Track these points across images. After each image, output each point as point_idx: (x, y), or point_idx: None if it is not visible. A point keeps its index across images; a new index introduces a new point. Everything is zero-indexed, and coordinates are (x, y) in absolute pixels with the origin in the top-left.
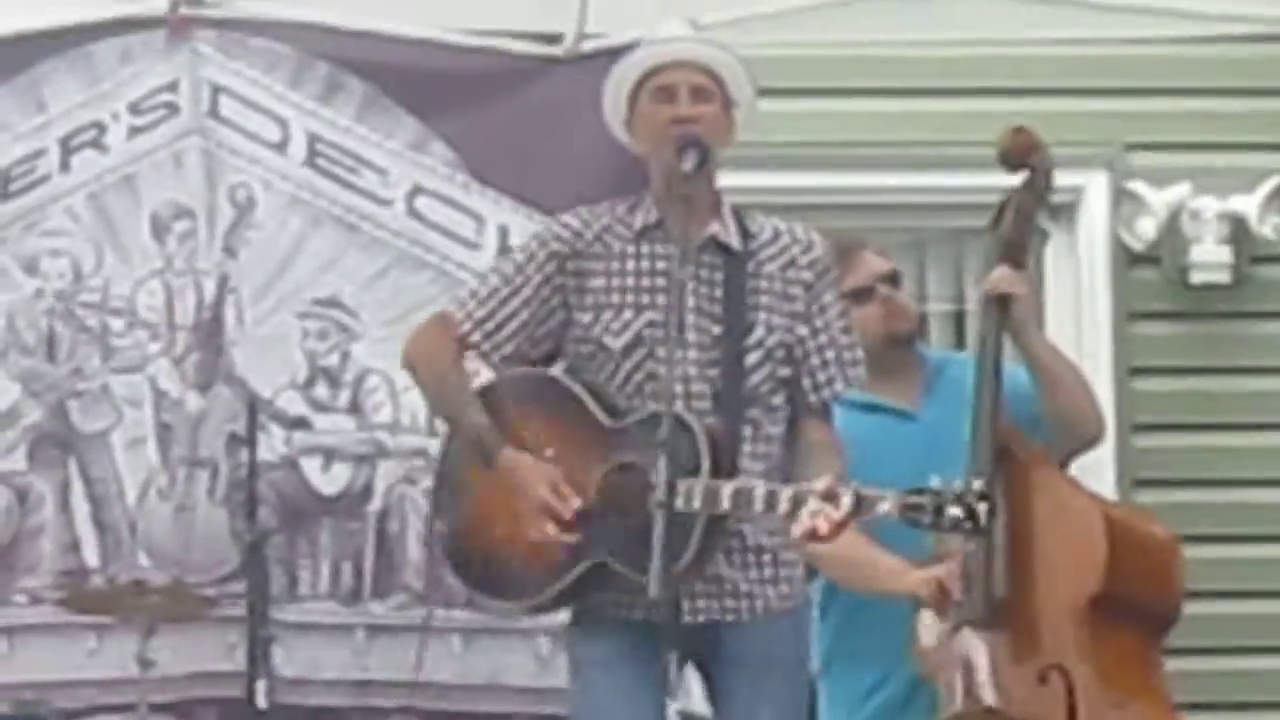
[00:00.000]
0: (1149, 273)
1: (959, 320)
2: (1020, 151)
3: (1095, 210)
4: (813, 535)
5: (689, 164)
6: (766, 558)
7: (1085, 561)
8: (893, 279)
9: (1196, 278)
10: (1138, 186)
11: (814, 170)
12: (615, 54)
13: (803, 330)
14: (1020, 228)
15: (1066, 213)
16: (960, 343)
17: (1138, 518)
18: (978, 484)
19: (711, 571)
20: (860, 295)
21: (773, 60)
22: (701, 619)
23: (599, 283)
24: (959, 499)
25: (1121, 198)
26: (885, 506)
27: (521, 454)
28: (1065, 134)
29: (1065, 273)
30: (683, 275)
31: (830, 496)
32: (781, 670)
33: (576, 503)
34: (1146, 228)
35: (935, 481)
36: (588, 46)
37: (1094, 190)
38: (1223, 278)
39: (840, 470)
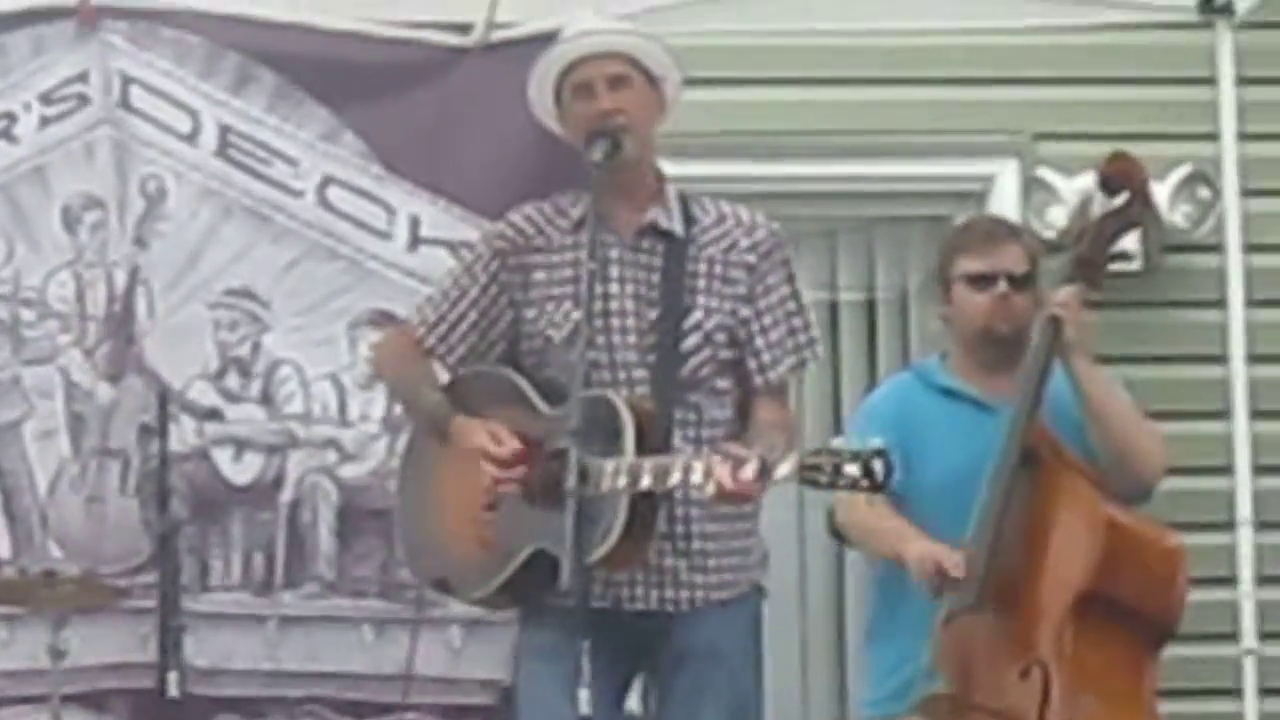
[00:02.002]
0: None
1: (870, 309)
2: (1117, 176)
3: (1006, 199)
4: (722, 491)
5: (598, 154)
6: (710, 545)
7: (1078, 560)
8: (1020, 280)
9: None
10: (1048, 175)
11: (724, 159)
12: (525, 44)
13: (746, 312)
14: (1096, 248)
15: (977, 201)
16: (872, 332)
17: (1147, 526)
18: (876, 442)
19: (654, 561)
20: (977, 281)
21: (682, 49)
22: (640, 607)
23: (541, 276)
24: (856, 457)
25: (1032, 186)
26: (785, 470)
27: (469, 419)
28: (975, 122)
29: None
30: (591, 266)
31: (738, 463)
32: (726, 663)
33: (514, 444)
34: (1057, 216)
35: (836, 442)
36: (497, 36)
37: (1004, 179)
38: (1133, 266)
39: (784, 449)
